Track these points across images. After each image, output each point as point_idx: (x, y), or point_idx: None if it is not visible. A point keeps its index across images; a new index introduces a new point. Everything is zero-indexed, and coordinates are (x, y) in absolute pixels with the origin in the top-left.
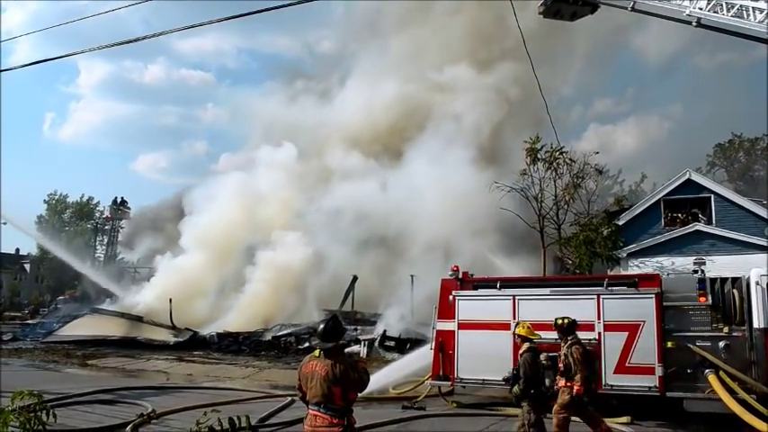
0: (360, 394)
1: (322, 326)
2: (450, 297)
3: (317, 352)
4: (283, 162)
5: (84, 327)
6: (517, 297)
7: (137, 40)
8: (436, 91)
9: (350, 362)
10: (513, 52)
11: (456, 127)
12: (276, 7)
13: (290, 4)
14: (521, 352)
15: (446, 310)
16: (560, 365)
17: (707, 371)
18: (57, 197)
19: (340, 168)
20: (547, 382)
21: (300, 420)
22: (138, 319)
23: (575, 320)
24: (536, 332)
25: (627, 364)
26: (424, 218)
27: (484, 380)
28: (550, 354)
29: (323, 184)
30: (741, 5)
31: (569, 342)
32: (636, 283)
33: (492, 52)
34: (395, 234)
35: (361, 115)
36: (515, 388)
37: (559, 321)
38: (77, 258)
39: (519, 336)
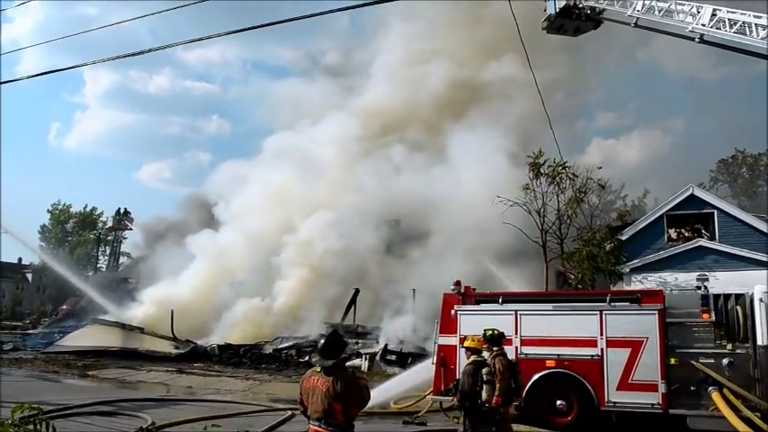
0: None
1: (322, 341)
2: (453, 311)
3: (317, 367)
4: (335, 135)
5: (84, 337)
6: (519, 312)
7: (142, 52)
8: (476, 80)
9: (351, 377)
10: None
11: (488, 124)
12: (287, 20)
13: (297, 18)
14: (465, 364)
15: (448, 325)
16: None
17: (710, 388)
18: (60, 207)
19: (375, 155)
20: (484, 396)
21: None
22: (140, 330)
23: (503, 333)
24: (483, 346)
25: (629, 381)
26: (443, 219)
27: None
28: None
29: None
30: (744, 22)
31: (495, 353)
32: (639, 298)
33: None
34: (417, 232)
35: (395, 100)
36: (454, 399)
37: (488, 333)
38: (77, 269)
39: (468, 348)
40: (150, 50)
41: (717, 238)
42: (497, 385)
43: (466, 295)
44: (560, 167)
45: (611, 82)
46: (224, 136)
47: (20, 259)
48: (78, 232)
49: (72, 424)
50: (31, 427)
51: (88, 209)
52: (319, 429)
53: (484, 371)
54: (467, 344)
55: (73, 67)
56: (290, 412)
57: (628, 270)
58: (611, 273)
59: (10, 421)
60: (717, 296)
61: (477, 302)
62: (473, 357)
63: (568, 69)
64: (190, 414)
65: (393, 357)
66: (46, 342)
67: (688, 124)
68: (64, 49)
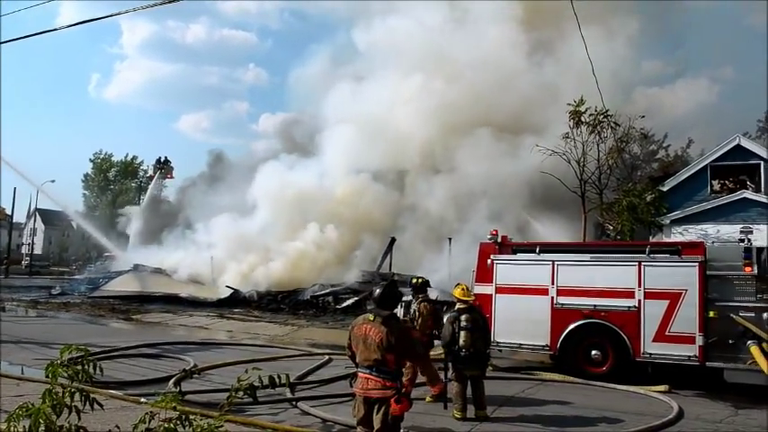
0: None
1: (379, 291)
2: (489, 261)
3: (370, 315)
4: None
5: (128, 283)
6: (556, 262)
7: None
8: None
9: (404, 330)
10: None
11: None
12: None
13: None
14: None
15: (484, 274)
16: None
17: (749, 342)
18: (102, 156)
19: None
20: (461, 341)
21: (338, 378)
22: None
23: (428, 281)
24: (475, 293)
25: (666, 333)
26: None
27: (520, 344)
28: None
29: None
30: None
31: (420, 299)
32: (679, 250)
33: None
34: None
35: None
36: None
37: (414, 280)
38: (119, 217)
39: (456, 297)
40: None
41: (762, 190)
42: (420, 326)
43: (502, 245)
44: (602, 116)
45: (657, 28)
46: (262, 85)
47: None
48: (120, 181)
49: (118, 365)
50: (79, 367)
51: (129, 158)
52: (370, 377)
53: (462, 317)
54: (454, 292)
55: (109, 16)
56: (327, 357)
57: (668, 221)
58: (651, 224)
59: (59, 361)
60: (760, 249)
61: (514, 252)
62: (457, 305)
63: (615, 16)
64: (230, 357)
65: None
66: (92, 287)
67: (736, 73)
68: (101, 1)
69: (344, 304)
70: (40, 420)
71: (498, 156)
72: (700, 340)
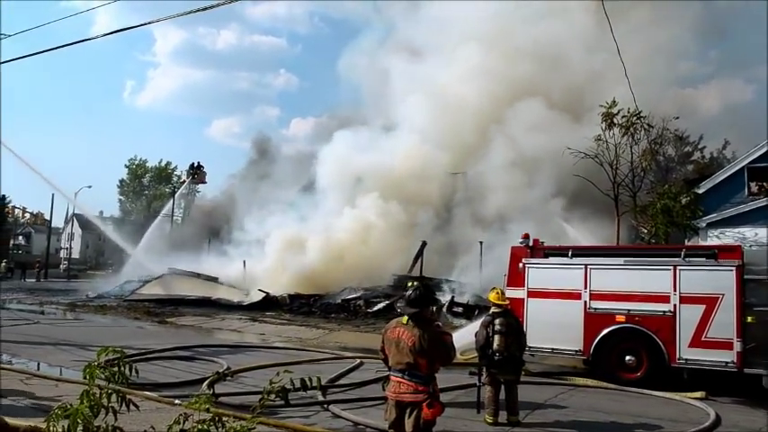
0: None
1: (410, 292)
2: (521, 265)
3: (404, 318)
4: None
5: (162, 286)
6: (589, 266)
7: (210, 7)
8: None
9: (437, 333)
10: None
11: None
12: None
13: None
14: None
15: (516, 278)
16: None
17: None
18: (137, 162)
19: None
20: (495, 345)
21: (370, 382)
22: (214, 279)
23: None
24: (507, 297)
25: (703, 339)
26: None
27: (553, 348)
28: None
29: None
30: None
31: None
32: (715, 254)
33: None
34: None
35: None
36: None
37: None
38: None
39: (491, 301)
40: (218, 5)
41: None
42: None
43: (534, 249)
44: (635, 117)
45: (690, 28)
46: (291, 90)
47: (101, 212)
48: (155, 186)
49: (153, 367)
50: (115, 369)
51: (163, 163)
52: (402, 381)
53: (497, 321)
54: (489, 296)
55: (141, 25)
56: (358, 360)
57: (704, 225)
58: (687, 227)
59: (96, 363)
60: None
61: (546, 256)
62: (492, 309)
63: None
64: (263, 360)
65: (460, 309)
66: (128, 290)
67: None
68: (134, 10)
69: (376, 308)
70: (78, 420)
71: (554, 129)
72: (738, 346)
